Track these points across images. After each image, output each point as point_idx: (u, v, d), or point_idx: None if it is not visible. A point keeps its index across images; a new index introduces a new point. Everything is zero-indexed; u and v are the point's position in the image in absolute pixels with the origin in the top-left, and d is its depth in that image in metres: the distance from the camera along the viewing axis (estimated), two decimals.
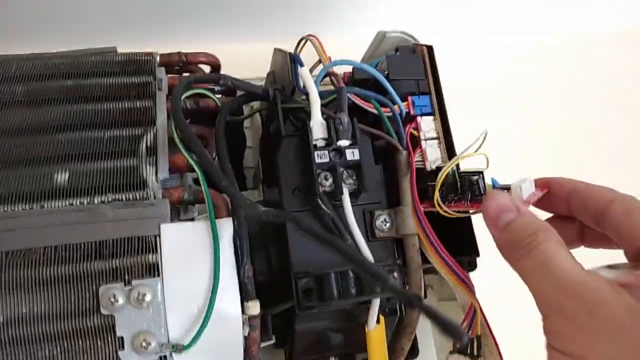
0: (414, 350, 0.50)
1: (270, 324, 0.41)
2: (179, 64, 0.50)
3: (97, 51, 0.50)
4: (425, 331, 0.50)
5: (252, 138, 0.63)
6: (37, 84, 0.44)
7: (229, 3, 0.65)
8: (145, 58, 0.48)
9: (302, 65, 0.44)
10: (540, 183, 0.40)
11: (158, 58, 0.48)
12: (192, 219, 0.39)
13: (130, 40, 0.66)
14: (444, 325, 0.24)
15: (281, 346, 0.47)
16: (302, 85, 0.44)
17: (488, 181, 0.42)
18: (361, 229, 0.42)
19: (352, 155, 0.41)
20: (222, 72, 0.53)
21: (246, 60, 0.68)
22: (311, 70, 0.48)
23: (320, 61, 0.48)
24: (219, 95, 0.46)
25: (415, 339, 0.48)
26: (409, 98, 0.48)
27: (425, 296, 0.48)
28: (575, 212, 0.38)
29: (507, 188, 0.41)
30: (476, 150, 0.43)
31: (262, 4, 0.66)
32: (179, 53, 0.50)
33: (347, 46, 0.71)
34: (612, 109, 0.86)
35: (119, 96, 0.44)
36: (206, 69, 0.53)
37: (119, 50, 0.51)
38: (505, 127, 0.75)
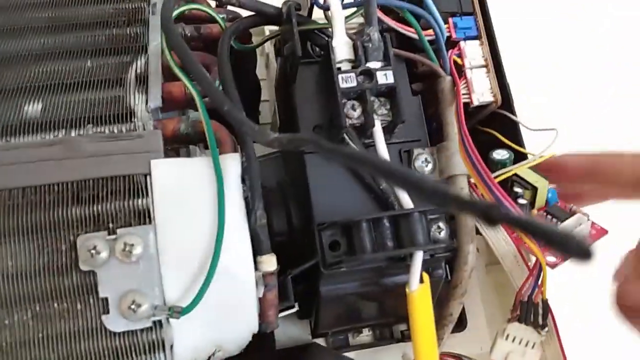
0: (462, 321, 0.42)
1: (290, 288, 0.34)
2: None
3: None
4: (473, 299, 0.43)
5: (269, 92, 0.56)
6: (14, 14, 0.38)
7: None
8: None
9: None
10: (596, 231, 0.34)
11: None
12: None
13: None
14: (560, 239, 0.16)
15: (305, 317, 0.41)
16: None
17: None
18: None
19: (385, 78, 0.34)
20: None
21: None
22: None
23: None
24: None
25: (462, 308, 0.41)
26: (450, 20, 0.41)
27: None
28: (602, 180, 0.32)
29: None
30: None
31: None
32: None
33: None
34: None
35: (106, 22, 0.37)
36: None
37: None
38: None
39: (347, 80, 0.33)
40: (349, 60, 0.34)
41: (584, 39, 0.71)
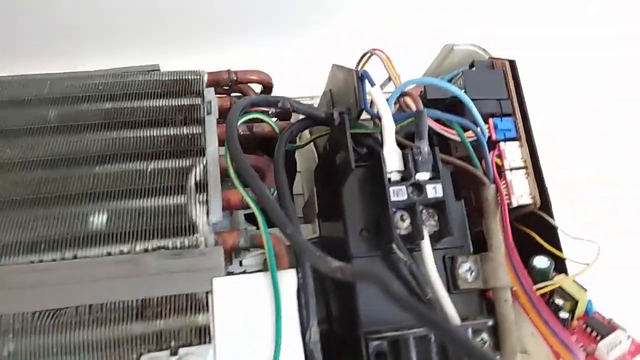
0: None
1: None
2: (228, 83, 0.45)
3: (139, 70, 0.45)
4: None
5: (300, 161, 0.57)
6: (71, 107, 0.39)
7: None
8: (192, 77, 0.43)
9: (372, 83, 0.38)
10: (635, 347, 0.34)
11: (206, 77, 0.43)
12: (244, 272, 0.33)
13: (170, 52, 0.62)
14: None
15: None
16: (370, 107, 0.38)
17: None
18: (442, 279, 0.35)
19: (434, 191, 0.35)
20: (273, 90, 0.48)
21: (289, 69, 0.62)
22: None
23: (389, 79, 0.42)
24: (274, 118, 0.41)
25: None
26: (490, 120, 0.42)
27: None
28: None
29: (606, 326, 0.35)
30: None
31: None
32: (228, 71, 0.44)
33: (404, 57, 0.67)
34: None
35: (164, 121, 0.38)
36: (257, 88, 0.48)
37: (162, 67, 0.46)
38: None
39: (397, 194, 0.35)
40: (399, 171, 0.36)
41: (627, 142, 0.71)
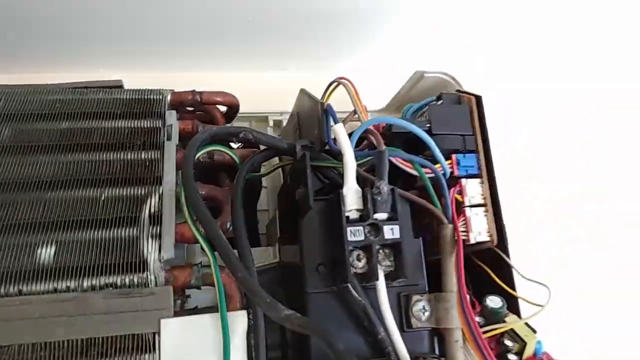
0: None
1: None
2: (192, 103, 0.44)
3: (101, 85, 0.44)
4: None
5: (267, 177, 0.57)
6: (26, 125, 0.38)
7: (244, 29, 0.59)
8: (155, 97, 0.42)
9: (336, 120, 0.37)
10: None
11: (169, 97, 0.42)
12: (196, 307, 0.33)
13: (135, 65, 0.61)
14: None
15: None
16: (333, 142, 0.38)
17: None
18: (395, 317, 0.36)
19: (392, 232, 0.35)
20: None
21: (258, 88, 0.62)
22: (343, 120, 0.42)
23: (355, 112, 0.42)
24: (237, 145, 0.40)
25: None
26: (453, 157, 0.42)
27: None
28: None
29: None
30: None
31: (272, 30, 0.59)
32: (192, 92, 0.44)
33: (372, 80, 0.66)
34: None
35: (122, 145, 0.38)
36: (222, 107, 0.48)
37: (125, 81, 0.45)
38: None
39: (355, 234, 0.35)
40: (357, 210, 0.35)
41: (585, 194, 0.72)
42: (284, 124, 0.57)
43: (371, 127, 0.38)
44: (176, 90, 0.48)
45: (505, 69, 0.71)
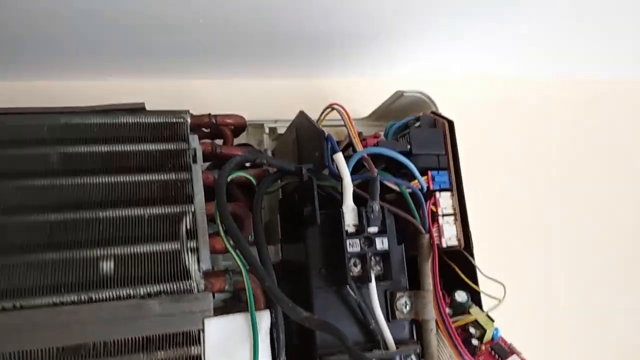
0: None
1: None
2: (208, 125, 0.51)
3: (126, 107, 0.49)
4: None
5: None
6: (70, 149, 0.44)
7: (244, 41, 0.65)
8: (177, 121, 0.48)
9: (336, 150, 0.45)
10: None
11: (189, 120, 0.49)
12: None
13: (145, 72, 0.66)
14: None
15: None
16: (332, 164, 0.46)
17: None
18: (382, 310, 0.44)
19: (382, 244, 0.44)
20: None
21: (255, 97, 0.70)
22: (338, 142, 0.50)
23: (348, 135, 0.49)
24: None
25: None
26: (429, 173, 0.51)
27: None
28: None
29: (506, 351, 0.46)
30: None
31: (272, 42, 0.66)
32: (209, 115, 0.51)
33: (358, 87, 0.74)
34: None
35: (155, 167, 0.44)
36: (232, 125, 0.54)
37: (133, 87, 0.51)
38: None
39: (352, 245, 0.43)
40: (354, 225, 0.44)
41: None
42: (278, 131, 0.64)
43: (365, 155, 0.46)
44: (183, 100, 0.54)
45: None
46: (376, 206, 0.44)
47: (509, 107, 0.81)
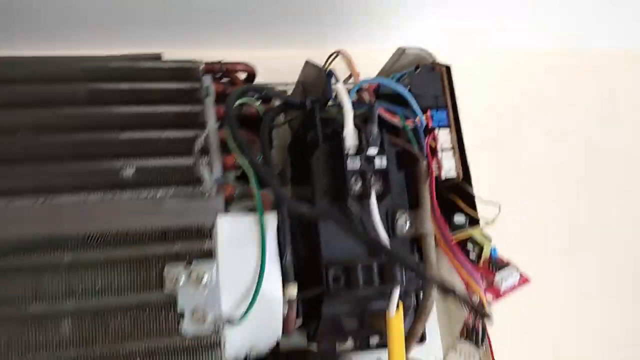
0: (423, 336, 0.55)
1: (299, 307, 0.47)
2: (219, 72, 0.55)
3: (146, 56, 0.55)
4: (432, 321, 0.56)
5: (275, 140, 0.68)
6: (95, 85, 0.49)
7: (260, 10, 0.70)
8: (192, 66, 0.53)
9: (337, 80, 0.49)
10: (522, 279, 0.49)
11: (202, 66, 0.53)
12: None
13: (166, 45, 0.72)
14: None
15: (305, 328, 0.53)
16: (334, 98, 0.50)
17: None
18: (384, 227, 0.47)
19: (380, 162, 0.47)
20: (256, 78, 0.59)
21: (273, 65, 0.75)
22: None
23: (350, 76, 0.53)
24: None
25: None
26: (428, 112, 0.54)
27: None
28: None
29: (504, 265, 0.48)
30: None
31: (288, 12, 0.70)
32: (220, 62, 0.55)
33: (364, 56, 0.79)
34: None
35: (172, 100, 0.49)
36: (242, 76, 0.59)
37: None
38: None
39: (353, 162, 0.46)
40: (355, 146, 0.47)
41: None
42: (289, 93, 0.69)
43: (364, 86, 0.50)
44: None
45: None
46: (375, 129, 0.47)
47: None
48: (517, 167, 0.81)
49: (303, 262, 0.48)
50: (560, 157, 0.88)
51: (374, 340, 0.55)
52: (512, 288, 0.48)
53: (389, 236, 0.48)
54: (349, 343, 0.54)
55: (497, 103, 0.85)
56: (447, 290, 0.36)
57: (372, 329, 0.51)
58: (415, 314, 0.49)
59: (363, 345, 0.55)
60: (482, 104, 0.78)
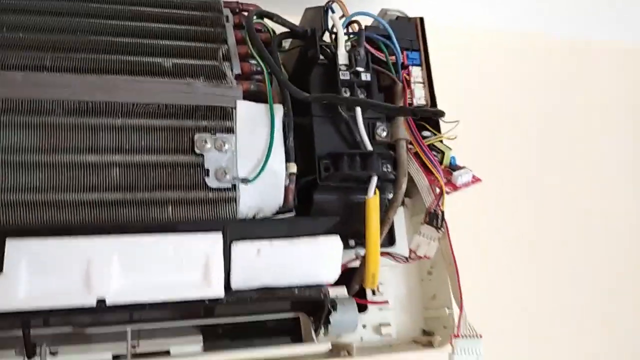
0: (392, 239, 0.67)
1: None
2: (235, 10, 0.67)
3: None
4: (399, 225, 0.68)
5: None
6: (140, 8, 0.59)
7: None
8: (213, 1, 0.64)
9: (333, 12, 0.61)
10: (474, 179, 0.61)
11: (222, 2, 0.64)
12: None
13: None
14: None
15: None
16: (330, 27, 0.62)
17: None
18: (367, 134, 0.59)
19: (366, 77, 0.59)
20: None
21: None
22: None
23: (343, 16, 0.65)
24: None
25: (392, 229, 0.66)
26: (404, 52, 0.66)
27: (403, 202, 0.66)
28: None
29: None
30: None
31: None
32: (237, 2, 0.66)
33: None
34: None
35: (198, 22, 0.60)
36: None
37: None
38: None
39: (344, 75, 0.58)
40: (345, 64, 0.59)
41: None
42: None
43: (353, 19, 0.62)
44: None
45: None
46: (362, 51, 0.59)
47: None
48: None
49: (300, 157, 0.59)
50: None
51: (352, 242, 0.66)
52: (467, 184, 0.59)
53: (370, 141, 0.59)
54: None
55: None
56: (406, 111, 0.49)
57: (352, 229, 0.62)
58: (388, 205, 0.60)
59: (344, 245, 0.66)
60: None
